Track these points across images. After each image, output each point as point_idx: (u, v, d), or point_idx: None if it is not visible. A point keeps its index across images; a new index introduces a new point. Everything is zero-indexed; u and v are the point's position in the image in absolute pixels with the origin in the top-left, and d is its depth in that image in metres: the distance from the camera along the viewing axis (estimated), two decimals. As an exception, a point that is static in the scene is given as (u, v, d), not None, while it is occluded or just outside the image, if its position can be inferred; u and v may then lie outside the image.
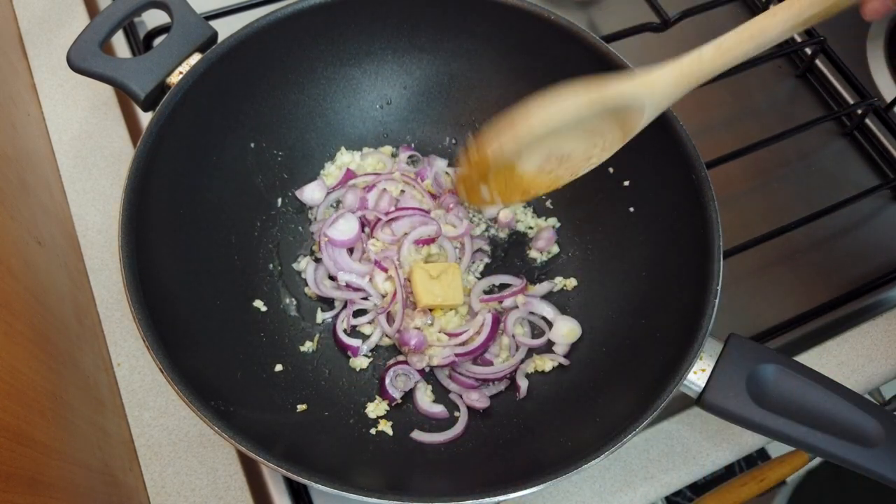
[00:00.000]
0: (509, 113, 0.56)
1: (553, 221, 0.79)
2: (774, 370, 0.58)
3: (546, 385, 0.72)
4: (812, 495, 0.94)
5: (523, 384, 0.71)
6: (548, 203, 0.81)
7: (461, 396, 0.71)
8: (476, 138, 0.60)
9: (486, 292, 0.77)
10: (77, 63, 0.68)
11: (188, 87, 0.66)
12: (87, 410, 0.64)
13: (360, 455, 0.66)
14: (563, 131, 0.57)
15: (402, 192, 0.79)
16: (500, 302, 0.76)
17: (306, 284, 0.76)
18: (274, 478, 0.69)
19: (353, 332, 0.74)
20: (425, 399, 0.71)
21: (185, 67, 0.68)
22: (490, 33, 0.76)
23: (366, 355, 0.73)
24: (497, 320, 0.73)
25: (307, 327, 0.75)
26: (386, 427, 0.69)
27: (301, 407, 0.68)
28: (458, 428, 0.69)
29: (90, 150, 0.85)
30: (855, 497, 0.89)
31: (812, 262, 0.83)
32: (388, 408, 0.70)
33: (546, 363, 0.72)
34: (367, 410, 0.70)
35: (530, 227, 0.80)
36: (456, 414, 0.70)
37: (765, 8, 0.97)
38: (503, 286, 0.77)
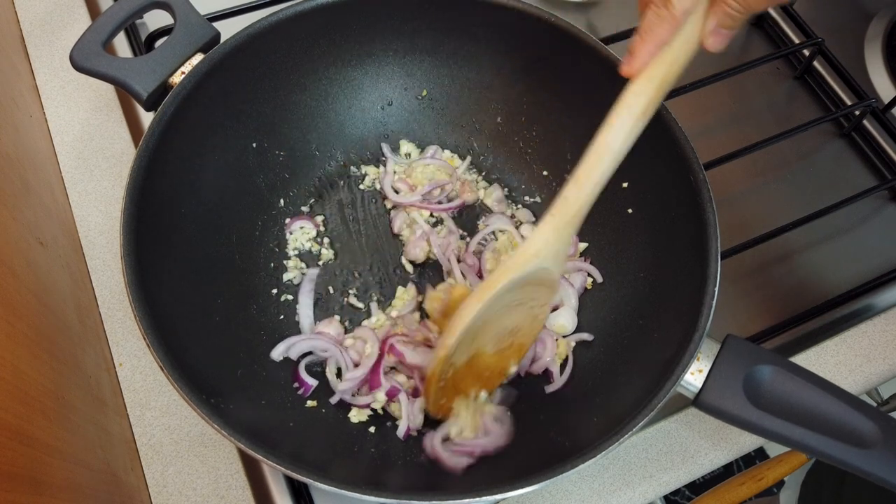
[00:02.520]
0: (443, 331, 0.62)
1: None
2: (771, 371, 0.58)
3: (543, 385, 0.73)
4: (819, 493, 0.95)
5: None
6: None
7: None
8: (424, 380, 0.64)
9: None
10: (80, 62, 0.68)
11: (190, 88, 0.67)
12: (88, 410, 0.64)
13: (361, 454, 0.67)
14: (493, 316, 0.61)
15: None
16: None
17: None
18: (275, 477, 0.69)
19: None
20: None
21: (187, 68, 0.68)
22: (490, 35, 0.76)
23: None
24: None
25: (308, 327, 0.75)
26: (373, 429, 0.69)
27: (311, 403, 0.69)
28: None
29: (92, 151, 0.85)
30: (859, 495, 0.89)
31: (810, 262, 0.83)
32: (370, 413, 0.70)
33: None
34: (349, 415, 0.69)
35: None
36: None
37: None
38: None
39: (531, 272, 0.60)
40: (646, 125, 0.58)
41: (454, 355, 0.61)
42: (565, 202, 0.60)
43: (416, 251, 0.78)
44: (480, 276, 0.77)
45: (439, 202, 0.81)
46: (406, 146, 0.84)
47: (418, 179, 0.82)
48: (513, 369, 0.69)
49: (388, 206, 0.82)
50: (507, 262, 0.60)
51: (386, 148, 0.83)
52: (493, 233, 0.80)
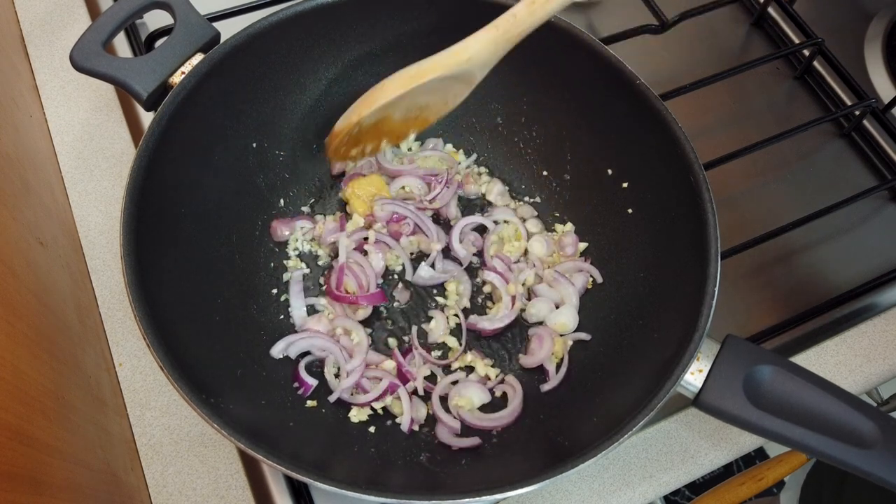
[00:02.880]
0: (365, 93, 0.67)
1: (570, 226, 0.80)
2: (771, 371, 0.58)
3: (541, 384, 0.73)
4: (820, 493, 0.95)
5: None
6: (555, 213, 0.81)
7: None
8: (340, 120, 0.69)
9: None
10: (80, 62, 0.68)
11: (190, 88, 0.67)
12: (88, 410, 0.64)
13: (361, 453, 0.67)
14: (408, 98, 0.64)
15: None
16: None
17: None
18: (275, 477, 0.69)
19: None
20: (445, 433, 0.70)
21: (187, 68, 0.68)
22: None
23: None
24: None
25: (307, 327, 0.75)
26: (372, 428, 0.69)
27: (311, 403, 0.69)
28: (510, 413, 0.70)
29: (92, 151, 0.85)
30: (860, 495, 0.89)
31: (810, 262, 0.83)
32: (370, 412, 0.70)
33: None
34: (350, 415, 0.70)
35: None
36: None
37: (763, 10, 0.97)
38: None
39: (457, 73, 0.62)
40: None
41: (364, 120, 0.65)
42: (513, 18, 0.60)
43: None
44: (480, 255, 0.79)
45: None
46: (407, 142, 0.84)
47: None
48: (413, 133, 0.72)
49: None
50: (438, 59, 0.62)
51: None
52: (496, 222, 0.80)
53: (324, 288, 0.76)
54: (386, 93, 0.63)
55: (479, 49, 0.61)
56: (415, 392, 0.71)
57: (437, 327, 0.74)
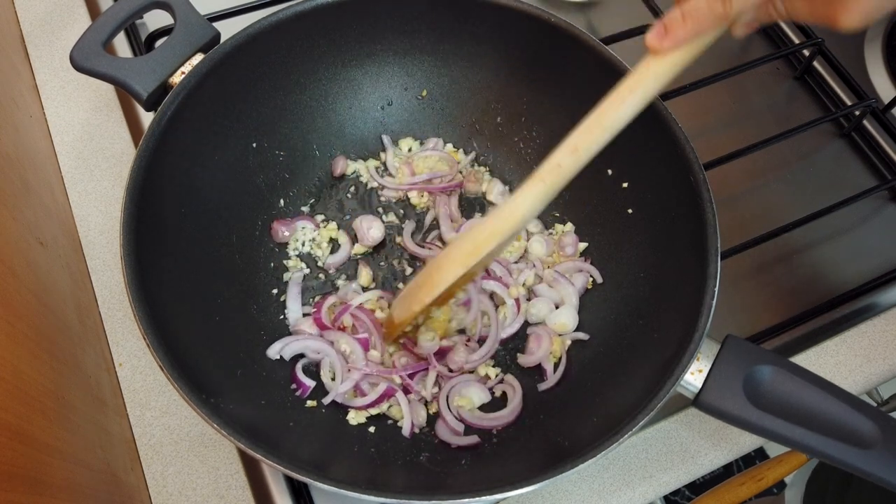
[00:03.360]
0: (417, 280, 0.65)
1: (570, 226, 0.80)
2: (771, 371, 0.58)
3: (539, 384, 0.73)
4: (824, 491, 0.95)
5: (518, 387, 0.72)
6: (555, 213, 0.81)
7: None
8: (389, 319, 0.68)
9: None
10: (80, 62, 0.68)
11: (190, 87, 0.67)
12: (88, 410, 0.64)
13: (361, 453, 0.67)
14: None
15: None
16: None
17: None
18: (275, 477, 0.69)
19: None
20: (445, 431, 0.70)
21: (187, 68, 0.68)
22: (490, 35, 0.76)
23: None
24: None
25: (307, 327, 0.75)
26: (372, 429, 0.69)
27: (310, 403, 0.69)
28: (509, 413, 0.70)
29: (92, 151, 0.85)
30: (865, 494, 0.89)
31: (810, 262, 0.83)
32: (367, 416, 0.70)
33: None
34: (348, 417, 0.70)
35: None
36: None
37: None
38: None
39: (515, 233, 0.61)
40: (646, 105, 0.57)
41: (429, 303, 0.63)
42: (558, 169, 0.58)
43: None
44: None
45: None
46: (407, 142, 0.84)
47: (419, 169, 0.82)
48: (461, 294, 0.71)
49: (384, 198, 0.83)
50: (491, 227, 0.60)
51: (387, 139, 0.83)
52: None
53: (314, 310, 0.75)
54: (446, 276, 0.60)
55: (531, 207, 0.60)
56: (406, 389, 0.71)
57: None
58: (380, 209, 0.82)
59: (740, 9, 0.51)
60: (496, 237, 0.59)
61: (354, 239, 0.79)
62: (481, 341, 0.74)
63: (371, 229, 0.78)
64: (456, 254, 0.61)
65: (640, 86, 0.55)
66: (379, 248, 0.80)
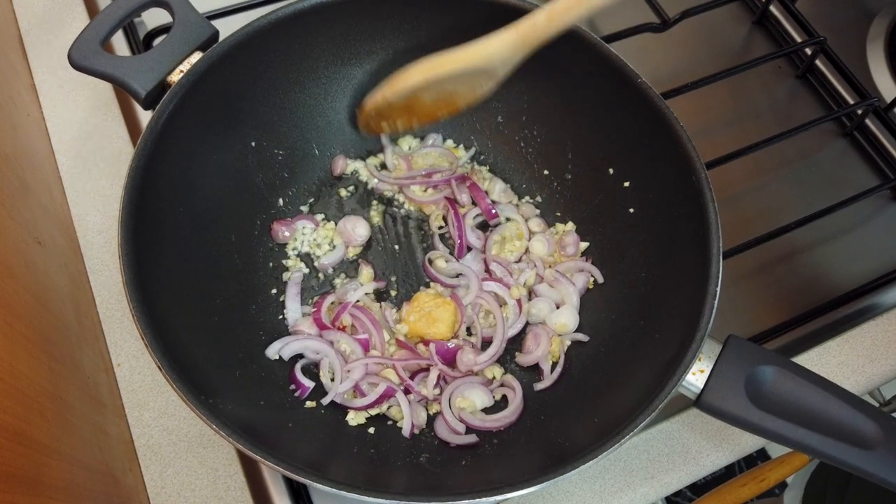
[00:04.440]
0: (391, 77, 0.69)
1: (571, 226, 0.79)
2: (773, 372, 0.58)
3: (545, 384, 0.72)
4: (824, 493, 0.94)
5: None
6: (556, 212, 0.81)
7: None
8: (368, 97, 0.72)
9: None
10: (78, 61, 0.68)
11: (189, 86, 0.66)
12: (87, 411, 0.64)
13: (360, 454, 0.66)
14: (433, 85, 0.67)
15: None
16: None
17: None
18: (274, 478, 0.69)
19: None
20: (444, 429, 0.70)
21: (185, 66, 0.68)
22: (489, 33, 0.76)
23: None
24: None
25: (307, 327, 0.74)
26: (371, 429, 0.69)
27: (309, 404, 0.68)
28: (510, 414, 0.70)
29: (90, 151, 0.85)
30: (864, 495, 0.89)
31: (812, 262, 0.83)
32: (367, 416, 0.70)
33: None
34: (347, 418, 0.69)
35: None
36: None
37: (765, 8, 0.97)
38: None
39: (476, 68, 0.65)
40: None
41: (392, 98, 0.69)
42: (532, 26, 0.61)
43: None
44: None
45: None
46: (407, 141, 0.83)
47: (419, 166, 0.82)
48: (442, 116, 0.73)
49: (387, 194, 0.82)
50: (458, 53, 0.64)
51: (385, 138, 0.83)
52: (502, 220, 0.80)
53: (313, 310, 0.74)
54: (409, 79, 0.67)
55: (498, 49, 0.63)
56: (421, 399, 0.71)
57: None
58: (377, 203, 0.82)
59: None
60: (459, 63, 0.64)
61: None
62: (486, 343, 0.73)
63: (356, 228, 0.78)
64: (422, 63, 0.66)
65: None
66: (373, 242, 0.80)
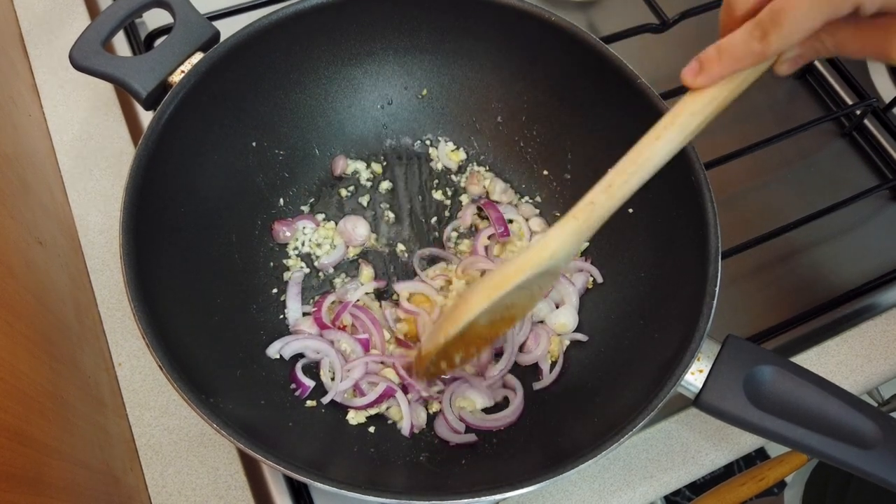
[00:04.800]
0: (445, 313, 0.66)
1: None
2: (772, 371, 0.58)
3: (544, 384, 0.72)
4: (824, 492, 0.94)
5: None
6: (556, 212, 0.81)
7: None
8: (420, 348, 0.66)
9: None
10: (79, 61, 0.68)
11: (190, 87, 0.66)
12: (87, 410, 0.64)
13: (361, 453, 0.67)
14: (496, 306, 0.59)
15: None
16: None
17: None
18: (275, 477, 0.69)
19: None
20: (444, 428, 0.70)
21: (186, 66, 0.68)
22: (490, 34, 0.76)
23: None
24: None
25: (307, 327, 0.75)
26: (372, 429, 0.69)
27: (310, 403, 0.69)
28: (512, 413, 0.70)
29: (91, 151, 0.85)
30: (865, 495, 0.89)
31: (811, 262, 0.83)
32: (367, 416, 0.70)
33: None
34: (347, 417, 0.69)
35: None
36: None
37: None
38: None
39: (542, 272, 0.58)
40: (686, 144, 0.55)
41: (450, 337, 0.60)
42: (591, 207, 0.56)
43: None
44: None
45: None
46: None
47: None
48: (501, 335, 0.69)
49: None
50: (521, 261, 0.58)
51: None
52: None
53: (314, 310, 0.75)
54: (472, 308, 0.58)
55: (562, 244, 0.57)
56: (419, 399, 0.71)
57: None
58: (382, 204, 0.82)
59: (780, 47, 0.48)
60: (524, 271, 0.57)
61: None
62: (498, 354, 0.73)
63: (357, 228, 0.78)
64: (482, 286, 0.59)
65: (676, 123, 0.53)
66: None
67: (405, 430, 0.68)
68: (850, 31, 0.49)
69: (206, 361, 0.63)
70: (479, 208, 0.81)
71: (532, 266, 0.57)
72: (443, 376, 0.71)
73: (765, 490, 0.92)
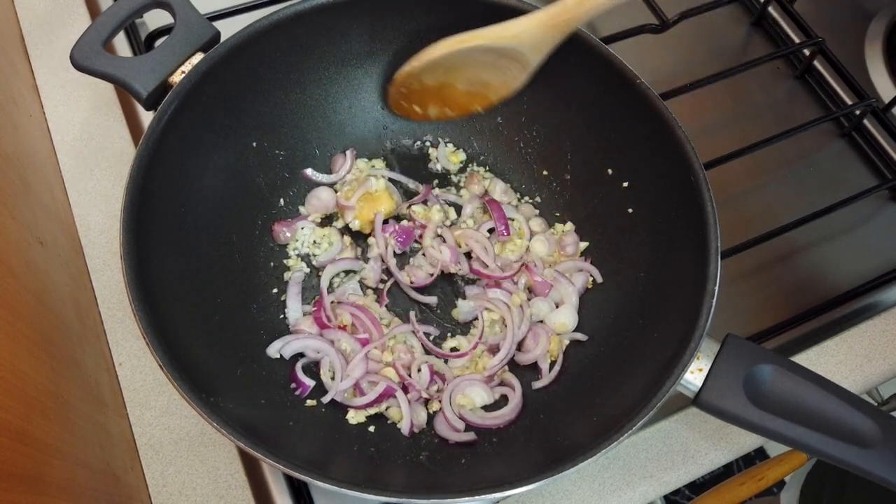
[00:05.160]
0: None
1: (570, 226, 0.80)
2: (771, 370, 0.58)
3: (543, 383, 0.73)
4: (820, 493, 0.95)
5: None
6: (556, 212, 0.81)
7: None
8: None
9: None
10: (80, 62, 0.68)
11: (190, 87, 0.67)
12: (88, 410, 0.64)
13: (361, 452, 0.67)
14: (467, 64, 0.67)
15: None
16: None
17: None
18: (275, 476, 0.69)
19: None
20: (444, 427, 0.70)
21: (187, 67, 0.68)
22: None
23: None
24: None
25: (307, 327, 0.75)
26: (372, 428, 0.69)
27: (310, 402, 0.69)
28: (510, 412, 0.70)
29: (92, 151, 0.85)
30: (861, 495, 0.89)
31: (810, 262, 0.83)
32: (367, 415, 0.70)
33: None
34: (347, 417, 0.70)
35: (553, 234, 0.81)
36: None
37: (763, 9, 0.97)
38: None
39: (504, 47, 0.64)
40: None
41: (422, 75, 0.69)
42: (563, 7, 0.61)
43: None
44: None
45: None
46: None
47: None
48: (476, 109, 0.74)
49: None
50: (487, 30, 0.64)
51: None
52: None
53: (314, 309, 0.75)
54: (435, 50, 0.66)
55: (526, 28, 0.62)
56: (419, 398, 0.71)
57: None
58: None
59: None
60: (486, 38, 0.63)
61: (347, 230, 0.79)
62: (495, 350, 0.74)
63: (321, 194, 0.79)
64: (450, 38, 0.65)
65: None
66: (368, 236, 0.80)
67: (405, 430, 0.69)
68: None
69: (206, 361, 0.63)
70: (484, 204, 0.81)
71: (496, 37, 0.64)
72: (413, 117, 0.77)
73: (764, 489, 0.92)
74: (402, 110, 0.76)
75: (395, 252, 0.78)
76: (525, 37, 0.63)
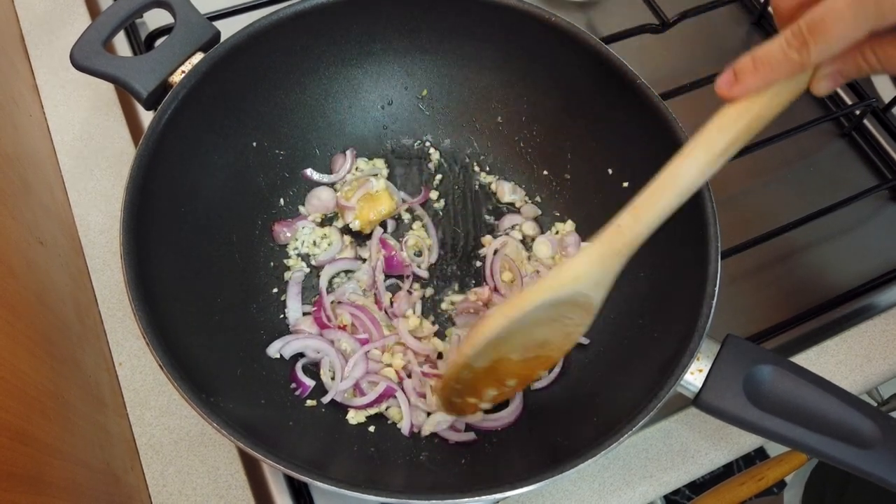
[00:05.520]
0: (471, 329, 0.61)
1: (571, 225, 0.80)
2: (771, 371, 0.58)
3: (543, 384, 0.73)
4: (823, 492, 0.95)
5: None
6: (556, 212, 0.81)
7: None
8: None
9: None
10: (80, 61, 0.68)
11: (190, 87, 0.67)
12: (88, 410, 0.64)
13: (361, 453, 0.67)
14: (520, 329, 0.56)
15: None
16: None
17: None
18: (275, 476, 0.69)
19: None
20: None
21: (187, 67, 0.68)
22: (490, 34, 0.76)
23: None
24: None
25: (307, 327, 0.75)
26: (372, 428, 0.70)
27: (310, 402, 0.69)
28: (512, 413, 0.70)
29: (92, 151, 0.85)
30: (864, 495, 0.89)
31: (810, 262, 0.83)
32: (367, 415, 0.70)
33: None
34: (347, 417, 0.70)
35: (556, 233, 0.80)
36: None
37: (764, 9, 0.97)
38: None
39: (566, 296, 0.55)
40: (723, 166, 0.52)
41: (474, 360, 0.58)
42: (617, 231, 0.53)
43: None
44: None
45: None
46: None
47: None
48: (540, 375, 0.68)
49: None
50: (541, 283, 0.55)
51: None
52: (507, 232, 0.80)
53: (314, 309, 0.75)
54: (488, 327, 0.55)
55: (586, 267, 0.54)
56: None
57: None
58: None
59: (820, 57, 0.45)
60: (544, 293, 0.54)
61: (347, 230, 0.79)
62: None
63: (321, 193, 0.79)
64: (500, 307, 0.55)
65: (702, 140, 0.51)
66: (368, 236, 0.80)
67: (405, 430, 0.69)
68: None
69: (206, 361, 0.63)
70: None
71: (553, 287, 0.54)
72: (473, 414, 0.68)
73: (764, 490, 0.92)
74: (455, 409, 0.65)
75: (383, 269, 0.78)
76: (586, 278, 0.54)
